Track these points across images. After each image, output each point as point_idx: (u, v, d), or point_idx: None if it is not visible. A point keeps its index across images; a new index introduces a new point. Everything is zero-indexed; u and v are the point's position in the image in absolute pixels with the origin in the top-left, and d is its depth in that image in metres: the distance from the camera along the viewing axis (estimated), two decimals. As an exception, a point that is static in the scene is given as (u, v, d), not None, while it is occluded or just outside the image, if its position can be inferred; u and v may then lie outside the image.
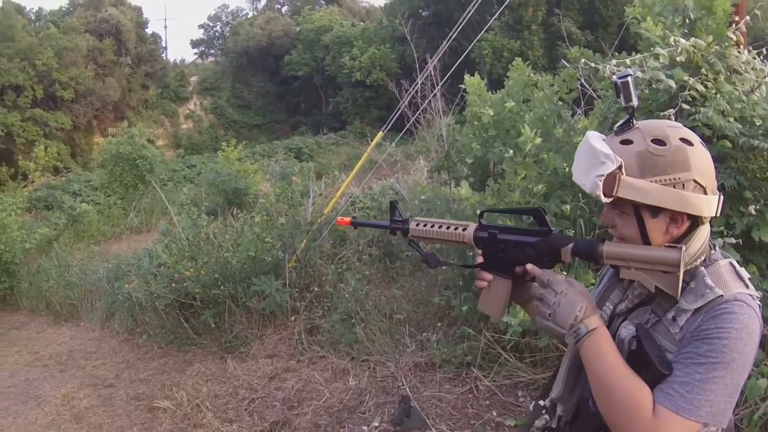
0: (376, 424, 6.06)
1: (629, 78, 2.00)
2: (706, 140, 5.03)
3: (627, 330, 2.04)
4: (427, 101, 10.35)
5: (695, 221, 1.98)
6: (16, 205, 16.87)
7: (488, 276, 2.24)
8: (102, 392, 8.22)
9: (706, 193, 1.94)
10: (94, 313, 11.76)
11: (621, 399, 1.87)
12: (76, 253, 16.10)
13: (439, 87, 10.39)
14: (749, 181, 5.10)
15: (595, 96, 7.12)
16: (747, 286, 1.96)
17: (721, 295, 1.88)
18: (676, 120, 4.72)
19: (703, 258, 2.01)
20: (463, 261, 6.54)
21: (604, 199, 1.91)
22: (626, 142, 1.95)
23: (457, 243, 2.30)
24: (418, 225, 2.38)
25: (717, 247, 2.09)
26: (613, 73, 5.63)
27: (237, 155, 23.45)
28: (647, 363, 1.90)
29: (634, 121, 1.99)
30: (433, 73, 10.62)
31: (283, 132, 51.84)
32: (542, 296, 2.04)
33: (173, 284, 9.09)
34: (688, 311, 1.91)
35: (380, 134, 10.17)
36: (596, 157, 1.91)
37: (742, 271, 2.02)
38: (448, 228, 2.30)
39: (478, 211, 6.30)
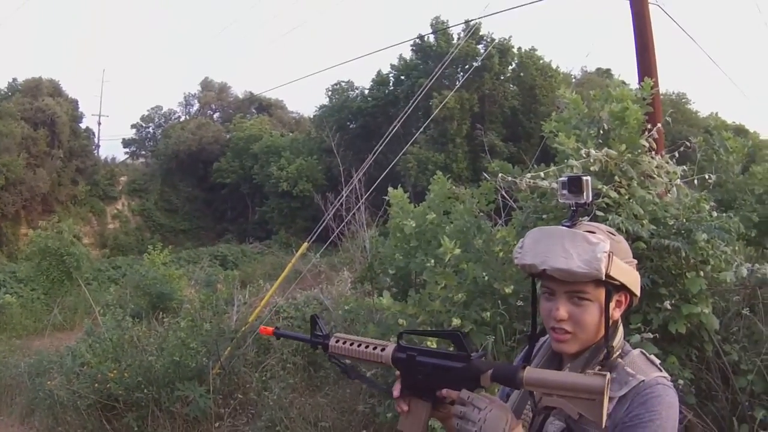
0: None
1: (588, 178, 2.28)
2: None
3: (554, 426, 2.16)
4: (351, 213, 10.61)
5: (630, 304, 2.26)
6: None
7: (404, 406, 2.20)
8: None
9: None
10: (14, 408, 11.49)
11: None
12: (-2, 346, 15.76)
13: (363, 200, 10.66)
14: (664, 278, 5.40)
15: (514, 207, 7.31)
16: (660, 370, 2.18)
17: (643, 380, 2.08)
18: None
19: (620, 350, 2.21)
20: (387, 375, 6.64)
21: (603, 276, 2.04)
22: (590, 232, 2.12)
23: (376, 363, 2.28)
24: (338, 342, 2.35)
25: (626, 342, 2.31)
26: (530, 185, 6.10)
27: (163, 259, 23.36)
28: None
29: (582, 219, 2.30)
30: (357, 185, 10.88)
31: (208, 238, 51.47)
32: (464, 414, 1.99)
33: (96, 384, 9.02)
34: (613, 399, 2.05)
35: (305, 245, 10.38)
36: (585, 239, 2.07)
37: (653, 357, 2.23)
38: (367, 347, 2.27)
39: (401, 321, 6.55)
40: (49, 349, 14.20)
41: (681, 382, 5.00)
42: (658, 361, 2.23)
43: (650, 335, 5.04)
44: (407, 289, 7.67)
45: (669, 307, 5.20)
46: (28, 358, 13.34)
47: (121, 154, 64.33)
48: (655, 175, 5.93)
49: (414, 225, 7.97)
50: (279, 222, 49.07)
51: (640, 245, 5.29)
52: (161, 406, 8.80)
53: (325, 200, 12.17)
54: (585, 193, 2.25)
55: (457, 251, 6.72)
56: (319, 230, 10.35)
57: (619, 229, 5.05)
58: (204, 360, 9.19)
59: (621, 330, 2.24)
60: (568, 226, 2.18)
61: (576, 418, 1.94)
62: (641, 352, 2.25)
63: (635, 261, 2.25)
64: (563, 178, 2.33)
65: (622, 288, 2.16)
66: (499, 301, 6.48)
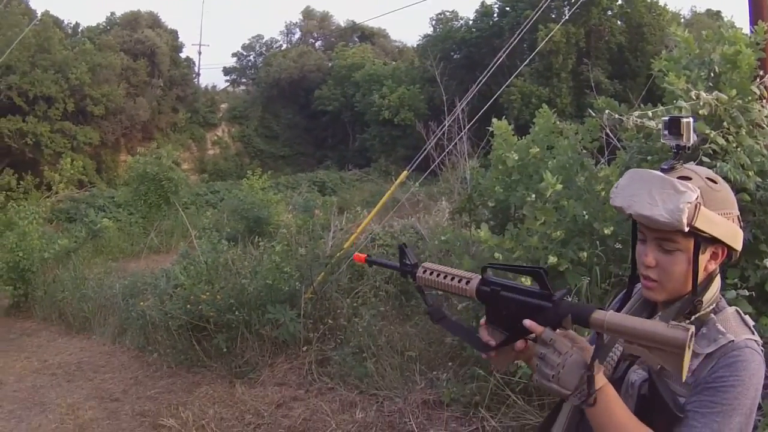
0: None
1: (690, 119, 2.12)
2: None
3: (637, 374, 2.06)
4: (453, 144, 10.42)
5: (728, 257, 2.08)
6: (38, 215, 16.93)
7: (490, 338, 2.11)
8: (108, 405, 8.26)
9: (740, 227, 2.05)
10: (107, 328, 11.79)
11: None
12: (93, 267, 16.07)
13: (465, 130, 10.46)
14: (766, 234, 5.16)
15: (618, 146, 7.13)
16: (753, 333, 2.01)
17: (733, 341, 1.93)
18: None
19: (714, 305, 2.06)
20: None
21: (685, 228, 1.89)
22: (685, 178, 1.98)
23: (461, 295, 2.21)
24: (425, 272, 2.28)
25: (722, 297, 2.13)
26: (636, 125, 5.84)
27: (261, 184, 23.47)
28: (661, 407, 1.92)
29: (681, 162, 2.07)
30: (460, 116, 10.69)
31: (308, 165, 51.73)
32: (544, 356, 1.92)
33: (188, 306, 9.11)
34: (700, 355, 1.93)
35: (404, 173, 10.20)
36: (673, 187, 1.92)
37: (747, 318, 2.08)
38: (452, 279, 2.19)
39: (497, 255, 6.40)
40: (144, 271, 14.53)
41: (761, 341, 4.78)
42: (752, 323, 2.08)
43: (746, 293, 4.84)
44: (505, 223, 7.52)
45: None
46: (123, 280, 13.65)
47: (221, 83, 65.24)
48: (764, 125, 5.65)
49: (516, 158, 7.74)
50: (379, 150, 49.05)
51: (745, 197, 5.06)
52: (251, 328, 8.86)
53: (427, 129, 11.99)
54: (685, 136, 2.11)
55: (559, 187, 6.53)
56: (420, 159, 10.16)
57: (726, 178, 4.74)
58: (297, 284, 9.17)
59: (717, 284, 2.09)
60: (664, 170, 2.04)
61: (656, 369, 1.94)
62: (736, 310, 2.09)
63: (736, 213, 2.04)
64: (665, 118, 2.18)
65: (716, 240, 1.99)
66: (598, 242, 6.29)
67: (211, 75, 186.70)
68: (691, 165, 2.06)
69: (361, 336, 8.25)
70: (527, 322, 1.94)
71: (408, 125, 43.05)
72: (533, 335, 1.96)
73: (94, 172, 39.96)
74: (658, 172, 2.00)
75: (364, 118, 50.68)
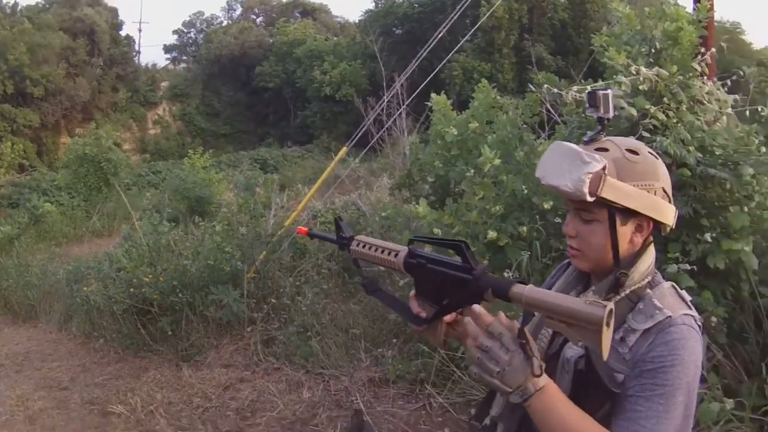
0: None
1: (610, 91, 2.06)
2: (666, 168, 5.13)
3: (573, 350, 2.01)
4: (392, 119, 10.41)
5: (656, 230, 2.06)
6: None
7: (420, 310, 2.10)
8: (57, 395, 8.13)
9: (670, 202, 2.04)
10: (53, 315, 11.62)
11: None
12: (36, 253, 15.87)
13: (405, 105, 10.45)
14: (706, 209, 5.18)
15: (558, 121, 7.17)
16: (689, 308, 2.00)
17: (670, 316, 1.91)
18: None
19: (649, 279, 2.04)
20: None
21: (589, 198, 1.88)
22: (601, 150, 1.97)
23: (391, 268, 2.21)
24: (358, 245, 2.31)
25: (658, 272, 2.12)
26: (575, 99, 5.82)
27: (203, 163, 23.39)
28: (597, 382, 1.88)
29: (604, 135, 2.06)
30: (400, 91, 10.68)
31: (250, 142, 51.35)
32: (489, 350, 1.78)
33: (131, 289, 9.01)
34: (637, 331, 1.92)
35: (344, 149, 10.18)
36: (579, 158, 1.90)
37: (684, 293, 2.06)
38: (383, 252, 2.21)
39: (437, 231, 6.42)
40: (88, 255, 14.30)
41: (714, 319, 4.87)
42: (688, 298, 2.05)
43: (687, 267, 4.84)
44: (445, 198, 7.49)
45: (709, 240, 4.98)
46: (66, 265, 13.41)
47: (162, 61, 64.43)
48: (705, 102, 5.64)
49: (456, 133, 7.77)
50: (321, 126, 48.96)
51: (685, 172, 5.09)
52: (195, 310, 8.78)
53: (365, 105, 11.96)
54: (602, 108, 2.08)
55: (497, 162, 6.54)
56: (360, 135, 10.14)
57: (665, 153, 4.90)
58: (239, 264, 9.10)
59: (649, 258, 2.07)
60: (586, 142, 2.05)
61: (577, 345, 1.92)
62: (672, 285, 2.07)
63: (660, 185, 2.01)
64: (587, 92, 2.15)
65: (635, 212, 1.97)
66: (537, 216, 6.33)
67: (152, 53, 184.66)
68: (616, 137, 2.05)
69: (305, 315, 8.22)
70: (477, 308, 1.83)
71: (350, 101, 42.86)
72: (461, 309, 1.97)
73: (35, 156, 39.50)
74: (572, 144, 1.98)
75: (306, 94, 50.44)
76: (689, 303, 2.02)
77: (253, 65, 54.10)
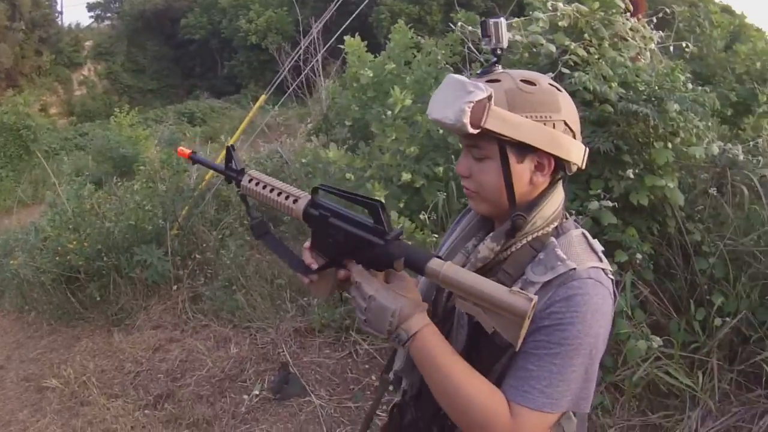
0: (257, 392, 6.07)
1: (501, 19, 1.93)
2: (587, 104, 5.08)
3: (464, 318, 1.90)
4: (310, 65, 10.33)
5: (560, 169, 1.85)
6: None
7: (312, 262, 1.97)
8: (-7, 375, 8.06)
9: (575, 138, 1.82)
10: (-16, 293, 11.40)
11: (470, 407, 1.71)
12: (-35, 228, 15.48)
13: (322, 51, 10.36)
14: (629, 146, 5.13)
15: (481, 61, 7.11)
16: (600, 260, 1.81)
17: (574, 269, 1.72)
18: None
19: (554, 225, 1.86)
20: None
21: (470, 130, 1.70)
22: (494, 81, 1.79)
23: (286, 213, 2.02)
24: (251, 181, 2.08)
25: (569, 217, 1.94)
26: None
27: (129, 121, 23.09)
28: (490, 337, 1.68)
29: (500, 66, 1.88)
30: (316, 36, 10.58)
31: (177, 96, 50.45)
32: (354, 299, 1.82)
33: (57, 258, 8.86)
34: (536, 284, 1.74)
35: (263, 97, 10.05)
36: (463, 88, 1.72)
37: (595, 243, 1.87)
38: (279, 194, 2.01)
39: (349, 176, 6.39)
40: (16, 227, 13.95)
41: (639, 256, 4.86)
42: (600, 248, 1.86)
43: (609, 203, 4.83)
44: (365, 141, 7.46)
45: (632, 176, 4.96)
46: (-5, 239, 13.12)
47: (86, 19, 62.95)
48: (628, 38, 5.68)
49: (371, 75, 7.74)
50: (248, 76, 48.31)
51: (607, 108, 5.05)
52: (122, 273, 8.67)
53: (280, 52, 11.80)
54: (494, 37, 1.94)
55: (408, 102, 6.50)
56: (278, 82, 10.05)
57: (584, 89, 4.92)
58: (161, 222, 9.00)
59: (556, 201, 1.87)
60: (479, 75, 1.87)
61: (489, 332, 1.66)
62: (583, 233, 1.88)
63: (560, 118, 1.78)
64: (481, 22, 2.00)
65: (530, 147, 1.76)
66: (453, 156, 6.33)
67: (75, 12, 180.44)
68: (513, 70, 1.85)
69: (230, 268, 8.19)
70: (347, 262, 1.85)
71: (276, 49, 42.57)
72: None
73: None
74: (459, 76, 1.78)
75: (232, 44, 49.68)
76: (600, 254, 1.83)
77: (178, 18, 52.89)
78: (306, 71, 10.22)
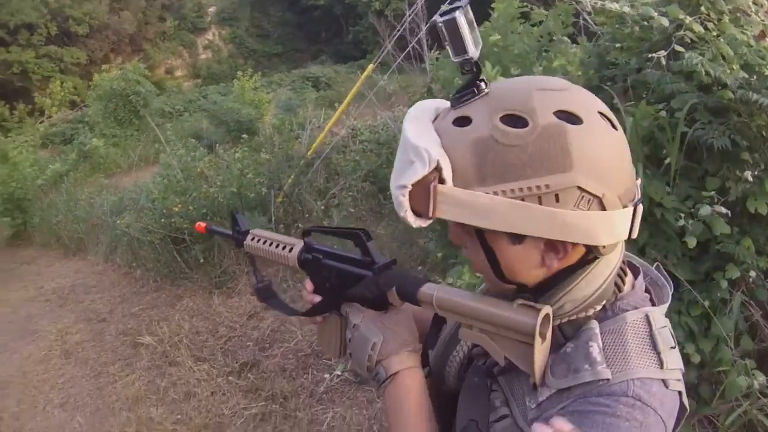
0: (339, 372, 6.07)
1: (457, 13, 1.13)
2: (705, 89, 4.31)
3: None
4: (416, 38, 10.29)
5: (589, 251, 1.19)
6: (29, 143, 16.96)
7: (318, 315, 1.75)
8: (95, 327, 8.38)
9: (604, 208, 1.13)
10: (99, 247, 11.86)
11: None
12: (86, 186, 16.08)
13: (427, 24, 10.28)
14: (749, 142, 4.20)
15: (599, 32, 6.51)
16: (661, 365, 1.17)
17: (606, 380, 1.14)
18: (666, 64, 4.23)
19: (602, 304, 1.25)
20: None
21: (415, 223, 1.21)
22: (462, 121, 1.16)
23: (286, 265, 1.87)
24: (253, 239, 1.95)
25: (636, 285, 1.31)
26: (595, 8, 5.24)
27: (252, 85, 23.40)
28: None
29: (485, 84, 1.17)
30: (422, 7, 10.51)
31: (303, 61, 50.51)
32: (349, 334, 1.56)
33: (162, 219, 9.13)
34: (550, 388, 1.20)
35: (370, 67, 9.98)
36: (409, 158, 1.15)
37: (663, 333, 1.21)
38: (277, 246, 1.86)
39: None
40: (132, 186, 14.20)
41: (753, 273, 3.96)
42: (671, 343, 1.21)
43: (723, 210, 3.92)
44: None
45: (750, 178, 4.03)
46: (112, 197, 13.57)
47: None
48: (752, 13, 4.77)
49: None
50: (374, 42, 48.03)
51: (727, 94, 4.10)
52: (226, 237, 8.82)
53: (381, 21, 11.66)
54: (453, 46, 1.17)
55: (500, 78, 6.09)
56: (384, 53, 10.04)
57: (693, 73, 4.16)
58: (264, 190, 9.15)
59: (594, 281, 1.21)
60: (453, 103, 1.22)
61: (502, 364, 1.25)
62: (646, 317, 1.22)
63: (567, 181, 1.09)
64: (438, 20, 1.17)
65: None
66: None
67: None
68: (505, 85, 1.19)
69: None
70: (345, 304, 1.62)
71: (401, 15, 42.16)
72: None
73: (86, 91, 39.87)
74: (409, 122, 1.21)
75: (357, 9, 49.41)
76: (665, 354, 1.18)
77: (300, -16, 53.29)
78: (412, 44, 10.16)
